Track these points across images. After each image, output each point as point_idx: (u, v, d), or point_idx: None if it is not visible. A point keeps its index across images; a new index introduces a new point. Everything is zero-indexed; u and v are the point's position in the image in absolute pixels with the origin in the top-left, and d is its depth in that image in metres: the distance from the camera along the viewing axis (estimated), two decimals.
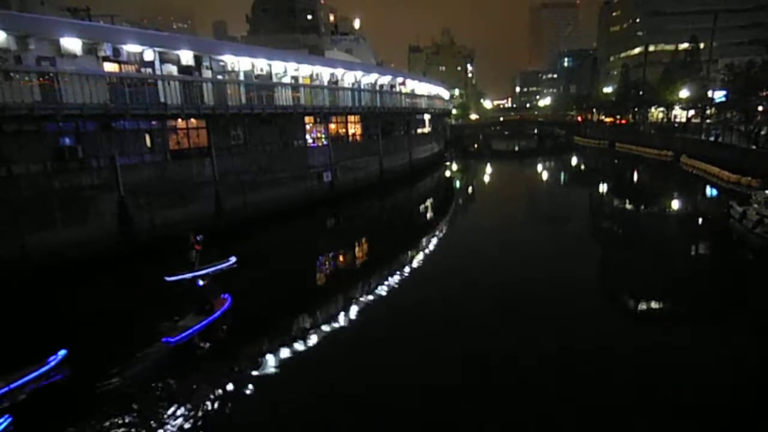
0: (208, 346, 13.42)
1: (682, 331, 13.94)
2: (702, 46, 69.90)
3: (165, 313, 13.87)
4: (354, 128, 39.05)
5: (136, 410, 10.19)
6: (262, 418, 10.16)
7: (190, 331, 13.17)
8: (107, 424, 9.71)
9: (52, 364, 11.25)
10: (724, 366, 11.83)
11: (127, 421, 9.83)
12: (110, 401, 10.43)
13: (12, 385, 10.44)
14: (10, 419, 9.70)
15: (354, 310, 15.63)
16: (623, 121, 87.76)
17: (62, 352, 11.49)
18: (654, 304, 16.21)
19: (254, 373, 11.77)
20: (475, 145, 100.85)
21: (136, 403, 10.39)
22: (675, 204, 35.77)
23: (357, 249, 24.81)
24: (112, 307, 16.08)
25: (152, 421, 9.78)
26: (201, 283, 14.73)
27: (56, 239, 19.04)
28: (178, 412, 10.06)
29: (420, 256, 22.42)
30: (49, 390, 10.83)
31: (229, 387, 11.22)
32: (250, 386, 11.27)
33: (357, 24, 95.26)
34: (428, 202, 38.02)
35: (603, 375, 11.50)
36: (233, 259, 18.95)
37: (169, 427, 9.61)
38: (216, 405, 10.44)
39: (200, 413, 10.07)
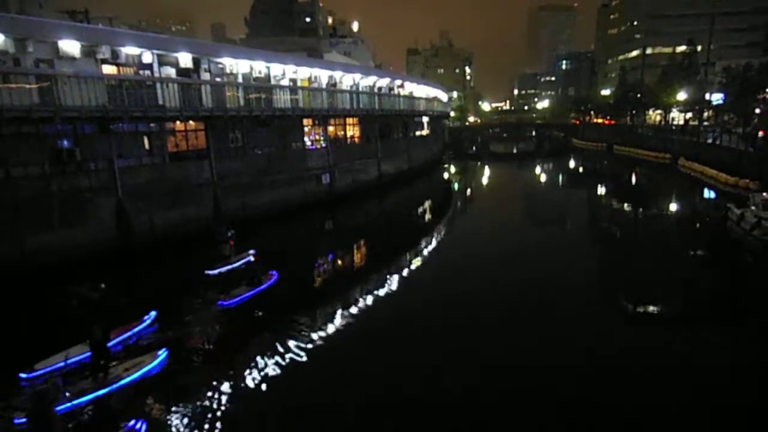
0: (254, 310, 15.99)
1: (680, 333, 13.93)
2: (699, 48, 70.10)
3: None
4: (352, 130, 39.07)
5: (198, 351, 13.40)
6: (284, 362, 12.30)
7: (240, 298, 16.03)
8: (186, 357, 12.85)
9: (148, 321, 14.15)
10: (724, 367, 11.86)
11: (194, 358, 13.04)
12: (184, 344, 13.44)
13: (121, 337, 13.14)
14: (167, 351, 12.18)
15: (353, 309, 15.67)
16: (611, 122, 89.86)
17: (153, 313, 14.38)
18: (653, 307, 16.20)
19: (284, 335, 13.70)
20: (474, 148, 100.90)
21: (198, 346, 13.67)
22: (673, 206, 35.83)
23: (355, 251, 24.81)
24: (167, 288, 18.14)
25: (208, 357, 13.20)
26: (252, 259, 17.58)
27: (55, 241, 19.04)
28: (223, 354, 13.20)
29: (417, 259, 22.43)
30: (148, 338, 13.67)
31: (260, 342, 13.75)
32: (277, 343, 13.23)
33: (355, 27, 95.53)
34: (426, 205, 38.00)
35: (602, 376, 11.52)
36: (252, 252, 19.99)
37: (216, 362, 12.72)
38: (250, 351, 13.04)
39: (238, 356, 12.78)
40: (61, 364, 11.25)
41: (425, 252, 23.72)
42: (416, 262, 21.74)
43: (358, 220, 32.08)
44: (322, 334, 13.91)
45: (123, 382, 10.93)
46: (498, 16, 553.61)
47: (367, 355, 12.90)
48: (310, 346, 13.08)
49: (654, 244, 24.23)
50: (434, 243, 25.83)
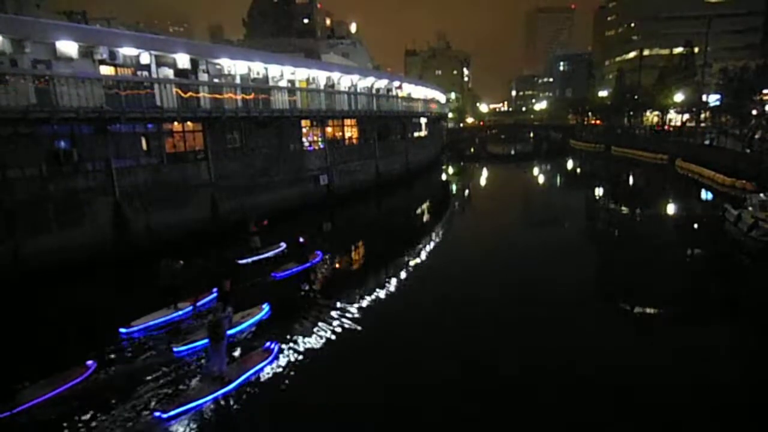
0: (301, 281, 18.78)
1: (678, 334, 13.96)
2: (696, 50, 70.37)
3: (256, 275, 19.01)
4: (350, 132, 39.07)
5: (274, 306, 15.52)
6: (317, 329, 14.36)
7: (290, 271, 19.11)
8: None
9: (215, 293, 15.44)
10: (722, 366, 11.91)
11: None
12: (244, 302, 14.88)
13: (198, 303, 14.75)
14: (269, 305, 15.24)
15: (350, 312, 15.61)
16: (598, 122, 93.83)
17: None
18: (650, 307, 16.23)
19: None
20: (472, 149, 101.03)
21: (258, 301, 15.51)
22: (671, 207, 35.90)
23: (353, 252, 24.79)
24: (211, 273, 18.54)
25: (281, 310, 15.52)
26: (302, 240, 19.91)
27: (51, 243, 18.97)
28: (292, 307, 15.98)
29: (416, 260, 22.42)
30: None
31: (310, 302, 16.95)
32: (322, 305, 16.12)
33: (353, 28, 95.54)
34: (425, 205, 38.04)
35: (600, 378, 11.52)
36: (284, 245, 22.36)
37: (287, 313, 15.39)
38: (307, 308, 15.93)
39: (285, 315, 15.23)
40: (152, 322, 14.40)
41: (425, 253, 23.74)
42: (416, 263, 21.78)
43: (356, 221, 32.06)
44: (341, 307, 15.97)
45: (243, 326, 13.99)
46: (496, 17, 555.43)
47: (376, 333, 14.19)
48: (339, 313, 15.45)
49: (652, 245, 24.25)
50: (432, 244, 25.83)
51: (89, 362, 11.74)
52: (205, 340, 12.20)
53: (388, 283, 18.89)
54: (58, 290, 17.28)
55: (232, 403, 10.71)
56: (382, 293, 17.65)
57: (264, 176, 28.76)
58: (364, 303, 16.38)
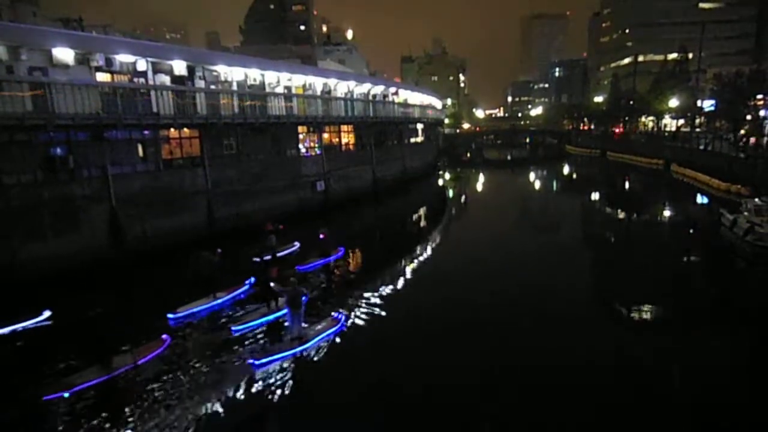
0: (322, 274, 20.38)
1: (673, 338, 13.98)
2: (691, 56, 70.89)
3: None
4: (347, 137, 39.11)
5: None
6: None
7: (313, 264, 20.86)
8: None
9: (248, 285, 17.90)
10: (718, 369, 11.94)
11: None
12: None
13: (233, 293, 17.34)
14: (307, 296, 15.39)
15: (370, 299, 16.51)
16: (586, 128, 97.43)
17: (252, 279, 17.76)
18: (646, 312, 16.27)
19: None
20: (468, 154, 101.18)
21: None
22: (667, 212, 36.04)
23: (350, 257, 24.73)
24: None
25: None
26: (322, 236, 21.63)
27: (47, 250, 18.88)
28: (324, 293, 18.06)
29: (411, 265, 22.41)
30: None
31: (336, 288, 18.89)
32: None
33: (350, 34, 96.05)
34: (421, 211, 38.01)
35: (597, 380, 11.54)
36: (297, 244, 23.74)
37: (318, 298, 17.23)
38: (335, 294, 18.01)
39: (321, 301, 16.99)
40: (196, 309, 16.00)
41: (418, 259, 23.75)
42: (408, 271, 21.75)
43: (353, 226, 32.02)
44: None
45: (283, 312, 14.97)
46: (491, 24, 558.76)
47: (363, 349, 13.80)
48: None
49: (649, 250, 24.32)
50: (428, 250, 25.82)
51: (164, 336, 13.71)
52: (257, 322, 15.10)
53: (389, 283, 19.22)
54: (69, 293, 17.33)
55: (308, 356, 13.16)
56: (384, 291, 18.27)
57: (260, 182, 28.73)
58: (376, 294, 17.63)
